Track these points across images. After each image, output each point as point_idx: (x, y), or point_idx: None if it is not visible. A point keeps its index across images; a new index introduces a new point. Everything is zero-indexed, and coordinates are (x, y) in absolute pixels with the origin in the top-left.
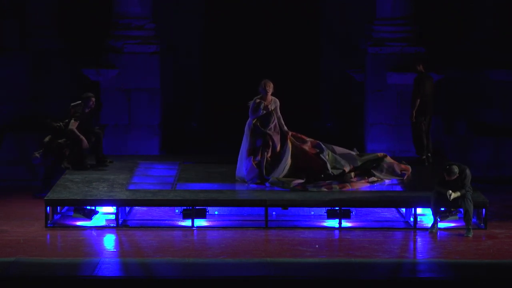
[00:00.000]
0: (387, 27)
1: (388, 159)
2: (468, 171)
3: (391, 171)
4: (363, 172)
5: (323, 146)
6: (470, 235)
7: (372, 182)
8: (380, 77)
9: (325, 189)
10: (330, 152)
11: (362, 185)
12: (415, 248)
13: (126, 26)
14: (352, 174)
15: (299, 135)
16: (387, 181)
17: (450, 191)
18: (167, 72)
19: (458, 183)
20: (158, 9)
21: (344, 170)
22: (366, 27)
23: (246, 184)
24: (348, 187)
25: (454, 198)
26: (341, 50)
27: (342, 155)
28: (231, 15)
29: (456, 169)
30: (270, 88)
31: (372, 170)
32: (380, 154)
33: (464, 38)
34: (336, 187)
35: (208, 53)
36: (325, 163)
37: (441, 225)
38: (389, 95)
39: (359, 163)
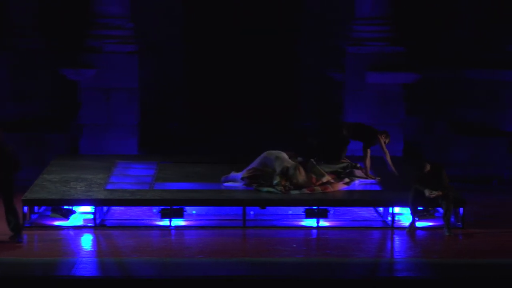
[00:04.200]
0: (366, 27)
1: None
2: (444, 170)
3: (361, 176)
4: (337, 175)
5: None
6: (449, 234)
7: (348, 183)
8: (359, 77)
9: (307, 191)
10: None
11: (341, 186)
12: (392, 247)
13: (105, 26)
14: (330, 177)
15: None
16: (359, 181)
17: (429, 192)
18: (147, 71)
19: (436, 182)
20: (138, 9)
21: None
22: (346, 27)
23: (224, 184)
24: (330, 189)
25: (434, 197)
26: (321, 49)
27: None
28: (211, 14)
29: (426, 163)
30: None
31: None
32: (355, 165)
33: (444, 38)
34: (318, 189)
35: (189, 53)
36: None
37: (418, 224)
38: (369, 95)
39: (334, 169)
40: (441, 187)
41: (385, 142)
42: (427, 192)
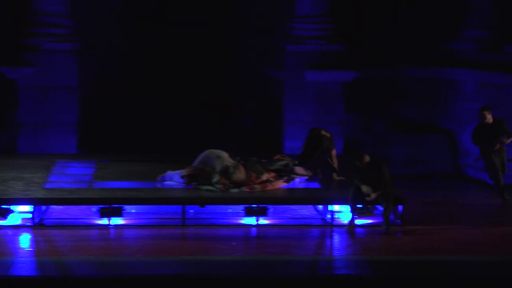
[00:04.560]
0: (306, 25)
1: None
2: (384, 166)
3: (302, 173)
4: (277, 173)
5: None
6: (388, 232)
7: (288, 181)
8: (298, 75)
9: (247, 190)
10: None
11: (281, 184)
12: (331, 245)
13: (44, 24)
14: (270, 175)
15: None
16: (299, 179)
17: (368, 191)
18: (86, 70)
19: (376, 178)
20: (78, 7)
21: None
22: (286, 25)
23: (163, 182)
24: (270, 187)
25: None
26: (261, 48)
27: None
28: (152, 13)
29: (365, 154)
30: None
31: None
32: (294, 162)
33: (385, 36)
34: (257, 187)
35: (129, 52)
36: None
37: (358, 221)
38: (308, 93)
39: (274, 167)
40: (381, 183)
41: None
42: (366, 191)
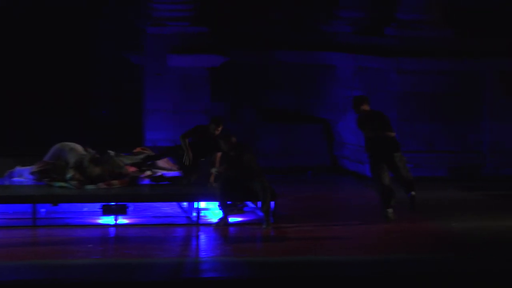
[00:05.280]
0: (167, 5)
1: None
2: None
3: (165, 167)
4: (139, 167)
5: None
6: (267, 227)
7: (149, 176)
8: (160, 60)
9: (104, 186)
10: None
11: (142, 180)
12: (198, 246)
13: None
14: (130, 169)
15: None
16: (164, 173)
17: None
18: None
19: (245, 165)
20: None
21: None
22: (146, 5)
23: (11, 179)
24: (129, 182)
25: (252, 189)
26: (118, 30)
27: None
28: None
29: (232, 136)
30: None
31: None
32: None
33: (254, 17)
34: (115, 182)
35: None
36: None
37: (227, 220)
38: (170, 80)
39: (134, 161)
40: (252, 170)
41: None
42: (215, 171)
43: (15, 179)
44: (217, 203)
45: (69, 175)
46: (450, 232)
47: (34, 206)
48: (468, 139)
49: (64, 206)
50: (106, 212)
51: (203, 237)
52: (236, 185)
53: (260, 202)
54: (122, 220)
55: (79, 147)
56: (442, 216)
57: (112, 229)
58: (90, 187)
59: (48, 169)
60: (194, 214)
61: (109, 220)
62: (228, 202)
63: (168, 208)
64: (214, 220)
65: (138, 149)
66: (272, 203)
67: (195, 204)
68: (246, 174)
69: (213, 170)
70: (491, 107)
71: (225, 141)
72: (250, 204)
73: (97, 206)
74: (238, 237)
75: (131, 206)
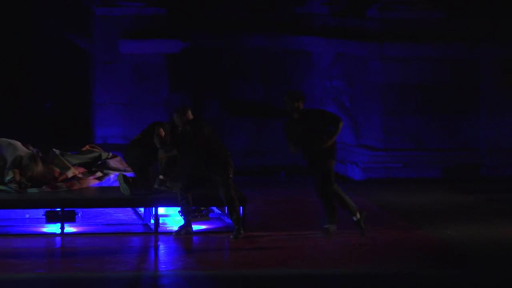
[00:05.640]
0: None
1: (116, 158)
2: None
3: (118, 167)
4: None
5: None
6: (237, 237)
7: (101, 178)
8: (111, 46)
9: (49, 189)
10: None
11: (92, 182)
12: (157, 258)
13: None
14: (78, 170)
15: None
16: (114, 175)
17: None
18: None
19: (213, 167)
20: None
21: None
22: None
23: None
24: (77, 185)
25: (216, 192)
26: (64, 9)
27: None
28: None
29: (189, 109)
30: None
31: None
32: (108, 154)
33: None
34: (61, 185)
35: None
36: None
37: (190, 227)
38: (123, 68)
39: (83, 161)
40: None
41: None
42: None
43: None
44: (178, 209)
45: (8, 177)
46: (441, 242)
47: None
48: (461, 135)
49: (3, 213)
50: (51, 219)
51: (162, 248)
52: (198, 183)
53: (227, 207)
54: (69, 229)
55: (18, 144)
56: (433, 223)
57: (58, 238)
58: (32, 190)
59: None
60: (152, 221)
61: (54, 228)
62: (190, 207)
63: (122, 215)
64: (175, 228)
65: (87, 147)
66: (241, 208)
67: (153, 210)
68: (207, 161)
69: (161, 176)
70: (489, 100)
71: (181, 116)
72: (216, 209)
73: (40, 213)
74: (203, 247)
75: (79, 212)
